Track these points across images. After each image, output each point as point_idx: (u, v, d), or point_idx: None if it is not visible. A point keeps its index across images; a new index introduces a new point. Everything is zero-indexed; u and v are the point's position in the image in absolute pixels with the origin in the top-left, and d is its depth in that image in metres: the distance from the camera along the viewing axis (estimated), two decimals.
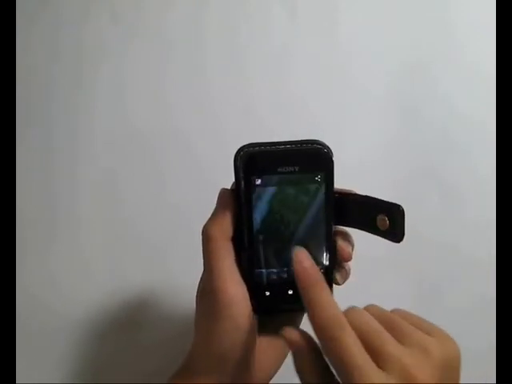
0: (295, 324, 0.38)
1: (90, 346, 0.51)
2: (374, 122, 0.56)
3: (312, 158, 0.34)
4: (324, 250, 0.35)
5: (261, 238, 0.35)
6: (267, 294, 0.36)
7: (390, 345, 0.28)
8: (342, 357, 0.27)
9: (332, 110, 0.56)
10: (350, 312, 0.30)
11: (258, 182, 0.34)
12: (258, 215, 0.35)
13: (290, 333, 0.30)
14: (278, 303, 0.36)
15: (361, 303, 0.42)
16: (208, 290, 0.34)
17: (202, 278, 0.35)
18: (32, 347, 0.51)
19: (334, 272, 0.36)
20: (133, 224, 0.54)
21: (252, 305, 0.34)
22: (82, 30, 0.57)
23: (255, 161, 0.34)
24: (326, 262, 0.36)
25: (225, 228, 0.34)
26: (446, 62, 0.56)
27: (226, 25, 0.58)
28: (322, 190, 0.35)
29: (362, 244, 0.44)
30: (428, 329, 0.30)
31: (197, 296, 0.35)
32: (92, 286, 0.53)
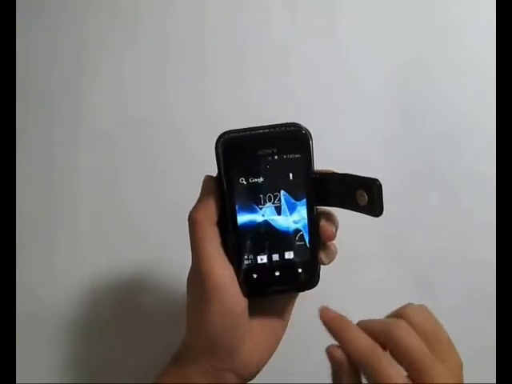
0: (288, 307, 0.39)
1: (91, 344, 0.51)
2: (373, 121, 0.56)
3: (290, 140, 0.35)
4: (307, 230, 0.36)
5: (244, 221, 0.36)
6: (254, 276, 0.36)
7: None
8: (380, 378, 0.29)
9: (332, 109, 0.56)
10: (396, 328, 0.31)
11: (238, 166, 0.35)
12: (240, 199, 0.35)
13: (334, 351, 0.31)
14: (266, 285, 0.37)
15: (359, 303, 0.42)
16: (196, 273, 0.34)
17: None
18: (32, 347, 0.51)
19: (319, 252, 0.37)
20: (133, 222, 0.54)
21: (241, 288, 0.35)
22: (81, 30, 0.57)
23: (234, 145, 0.35)
24: (309, 242, 0.36)
25: (209, 212, 0.35)
26: (447, 61, 0.56)
27: (225, 25, 0.57)
28: (302, 171, 0.36)
29: (361, 243, 0.44)
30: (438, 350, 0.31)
31: (187, 281, 0.36)
32: (93, 285, 0.53)
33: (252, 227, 0.36)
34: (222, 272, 0.34)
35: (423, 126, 0.56)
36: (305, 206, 0.36)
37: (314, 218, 0.36)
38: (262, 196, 0.36)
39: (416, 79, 0.56)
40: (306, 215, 0.36)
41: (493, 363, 0.38)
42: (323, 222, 0.37)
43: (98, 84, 0.57)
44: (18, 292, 0.47)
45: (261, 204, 0.36)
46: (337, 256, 0.38)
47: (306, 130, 0.35)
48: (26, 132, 0.55)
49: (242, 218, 0.36)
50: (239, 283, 0.35)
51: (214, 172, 0.36)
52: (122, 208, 0.54)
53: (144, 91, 0.56)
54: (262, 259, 0.36)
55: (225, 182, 0.35)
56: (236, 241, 0.36)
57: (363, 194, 0.34)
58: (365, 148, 0.55)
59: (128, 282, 0.53)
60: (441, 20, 0.57)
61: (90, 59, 0.57)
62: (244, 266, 0.36)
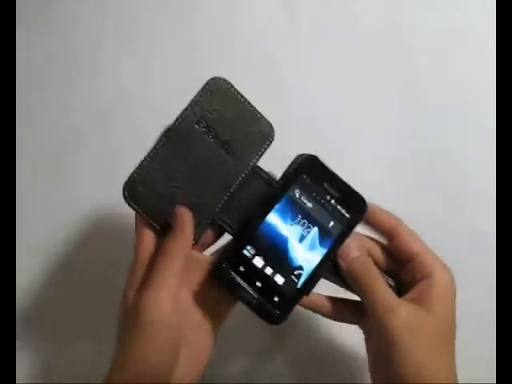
0: (224, 315, 0.38)
1: (91, 345, 0.51)
2: (374, 126, 0.55)
3: (353, 200, 0.38)
4: (307, 275, 0.37)
5: (272, 221, 0.37)
6: (241, 269, 0.36)
7: None
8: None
9: (332, 110, 0.56)
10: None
11: (304, 181, 0.37)
12: (283, 203, 0.37)
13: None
14: (240, 284, 0.36)
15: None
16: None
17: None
18: (32, 347, 0.50)
19: (301, 299, 0.37)
20: None
21: (217, 267, 0.36)
22: (81, 30, 0.58)
23: (316, 166, 0.38)
24: (302, 286, 0.36)
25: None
26: (448, 63, 0.56)
27: (226, 25, 0.58)
28: (342, 229, 0.37)
29: None
30: None
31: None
32: (92, 287, 0.52)
33: (273, 232, 0.37)
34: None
35: (426, 133, 0.55)
36: (322, 255, 0.37)
37: (320, 271, 0.37)
38: (299, 216, 0.37)
39: (418, 79, 0.56)
40: (317, 262, 0.37)
41: (493, 363, 0.38)
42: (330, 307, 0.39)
43: (98, 84, 0.57)
44: (17, 293, 0.47)
45: (294, 222, 0.37)
46: None
47: (366, 202, 0.38)
48: (27, 133, 0.55)
49: (272, 218, 0.37)
50: (222, 263, 0.36)
51: None
52: None
53: (141, 93, 0.56)
54: (259, 262, 0.36)
55: (284, 183, 0.37)
56: (254, 229, 0.36)
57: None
58: (365, 155, 0.55)
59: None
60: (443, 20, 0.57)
61: (88, 59, 0.57)
62: (241, 252, 0.36)
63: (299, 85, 0.56)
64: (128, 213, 0.37)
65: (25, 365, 0.46)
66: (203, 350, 0.36)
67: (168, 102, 0.54)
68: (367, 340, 0.37)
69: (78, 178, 0.54)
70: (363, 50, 0.57)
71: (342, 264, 0.37)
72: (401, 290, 0.37)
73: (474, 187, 0.53)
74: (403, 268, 0.37)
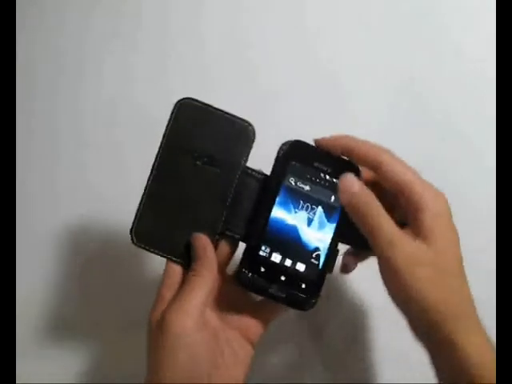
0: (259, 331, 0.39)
1: (93, 345, 0.51)
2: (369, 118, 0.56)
3: (345, 169, 0.37)
4: (325, 253, 0.38)
5: (277, 216, 0.38)
6: (262, 269, 0.37)
7: None
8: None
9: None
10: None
11: (295, 167, 0.38)
12: (282, 195, 0.38)
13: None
14: (266, 284, 0.37)
15: (365, 293, 0.42)
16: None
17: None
18: (32, 346, 0.50)
19: (326, 276, 0.38)
20: None
21: (240, 275, 0.37)
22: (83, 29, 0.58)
23: (300, 149, 0.38)
24: (323, 265, 0.38)
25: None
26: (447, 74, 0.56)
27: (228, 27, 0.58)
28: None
29: None
30: None
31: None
32: (92, 290, 0.52)
33: (281, 225, 0.37)
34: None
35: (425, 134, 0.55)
36: (333, 230, 0.38)
37: (336, 245, 0.38)
38: (301, 202, 0.38)
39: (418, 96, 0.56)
40: (330, 239, 0.38)
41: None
42: (350, 258, 0.40)
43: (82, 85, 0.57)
44: (17, 293, 0.47)
45: (297, 209, 0.38)
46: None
47: (359, 168, 0.38)
48: (28, 136, 0.55)
49: (277, 213, 0.38)
50: (243, 268, 0.37)
51: None
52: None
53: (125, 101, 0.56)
54: (276, 258, 0.37)
55: (277, 175, 0.38)
56: (263, 229, 0.37)
57: None
58: None
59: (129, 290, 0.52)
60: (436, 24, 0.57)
61: (73, 59, 0.57)
62: (258, 254, 0.37)
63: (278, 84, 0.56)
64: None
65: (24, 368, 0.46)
66: (238, 366, 0.38)
67: (150, 102, 0.55)
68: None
69: (69, 182, 0.55)
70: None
71: (343, 197, 0.35)
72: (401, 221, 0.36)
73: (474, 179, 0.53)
74: (397, 200, 0.36)
